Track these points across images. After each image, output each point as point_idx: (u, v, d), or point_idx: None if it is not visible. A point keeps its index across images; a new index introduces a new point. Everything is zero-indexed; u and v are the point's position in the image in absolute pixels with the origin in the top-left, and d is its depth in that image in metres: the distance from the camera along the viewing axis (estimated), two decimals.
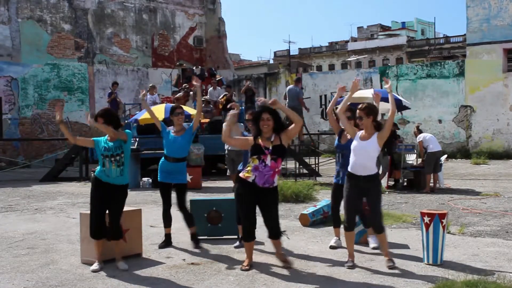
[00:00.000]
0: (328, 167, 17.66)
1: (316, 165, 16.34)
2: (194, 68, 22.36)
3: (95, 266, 5.85)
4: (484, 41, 23.53)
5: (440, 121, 24.58)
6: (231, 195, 7.27)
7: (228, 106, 8.43)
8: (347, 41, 66.06)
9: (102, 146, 5.97)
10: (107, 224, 5.95)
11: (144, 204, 10.62)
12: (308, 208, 8.60)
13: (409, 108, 14.69)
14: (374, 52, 59.19)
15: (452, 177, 15.49)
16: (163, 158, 6.98)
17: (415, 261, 5.94)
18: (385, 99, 6.74)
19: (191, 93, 18.16)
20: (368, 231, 6.74)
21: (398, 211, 9.40)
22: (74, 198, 12.18)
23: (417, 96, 24.93)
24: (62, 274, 5.71)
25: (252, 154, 5.70)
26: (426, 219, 5.77)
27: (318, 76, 29.54)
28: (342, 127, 6.50)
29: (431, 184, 12.38)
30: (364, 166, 5.71)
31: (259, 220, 5.81)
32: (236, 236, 7.06)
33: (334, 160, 7.31)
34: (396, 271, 5.55)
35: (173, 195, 6.98)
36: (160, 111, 13.80)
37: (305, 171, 16.06)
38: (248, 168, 5.71)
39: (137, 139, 15.15)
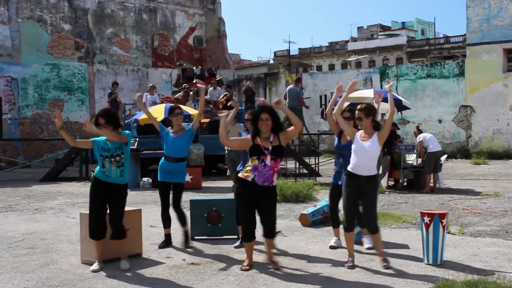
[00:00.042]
0: (328, 167, 17.65)
1: (316, 165, 16.34)
2: (194, 68, 22.35)
3: (95, 266, 5.85)
4: (484, 41, 23.54)
5: (440, 121, 24.58)
6: (231, 195, 7.28)
7: (228, 105, 8.43)
8: (347, 41, 66.07)
9: (101, 146, 5.96)
10: (108, 224, 5.95)
11: (144, 204, 10.62)
12: (308, 208, 8.60)
13: (409, 108, 14.69)
14: (374, 52, 59.20)
15: (452, 177, 15.50)
16: (163, 158, 6.98)
17: (415, 261, 5.94)
18: (385, 99, 6.74)
19: (191, 93, 18.17)
20: (363, 232, 6.73)
21: (398, 211, 9.40)
22: (74, 198, 12.18)
23: (417, 96, 24.93)
24: (62, 274, 5.71)
25: (252, 154, 5.70)
26: (426, 219, 5.77)
27: (318, 76, 29.55)
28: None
29: (431, 184, 12.38)
30: (365, 166, 5.71)
31: (259, 220, 5.81)
32: (236, 236, 7.06)
33: (334, 160, 7.32)
34: (395, 271, 5.55)
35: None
36: (160, 111, 13.80)
37: (305, 171, 16.07)
38: (247, 168, 5.71)
39: (137, 139, 15.16)
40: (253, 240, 5.80)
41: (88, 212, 6.12)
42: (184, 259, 6.29)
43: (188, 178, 12.27)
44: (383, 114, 12.61)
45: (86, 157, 16.70)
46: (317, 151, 19.46)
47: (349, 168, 5.84)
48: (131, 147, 6.42)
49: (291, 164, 15.88)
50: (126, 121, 16.78)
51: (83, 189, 13.53)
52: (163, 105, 15.51)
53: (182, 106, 9.96)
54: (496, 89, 23.17)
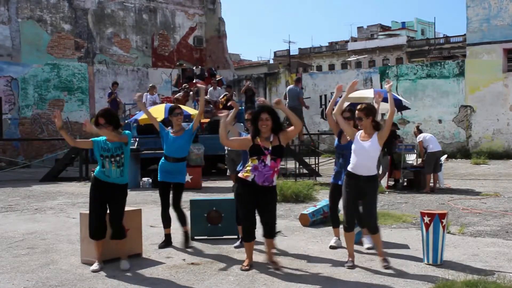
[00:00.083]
0: (328, 167, 17.64)
1: (316, 165, 16.34)
2: (194, 68, 22.35)
3: (95, 266, 5.85)
4: (484, 41, 23.54)
5: (440, 121, 24.58)
6: (231, 195, 7.28)
7: (228, 105, 8.43)
8: (347, 41, 66.08)
9: (101, 146, 5.96)
10: (108, 224, 5.95)
11: (144, 204, 10.62)
12: (308, 208, 8.60)
13: (409, 108, 14.69)
14: (374, 52, 59.20)
15: (452, 177, 15.50)
16: (163, 158, 6.99)
17: (415, 261, 5.94)
18: (385, 99, 6.74)
19: (191, 93, 18.17)
20: (363, 231, 6.73)
21: (398, 211, 9.40)
22: (74, 198, 12.18)
23: (417, 96, 24.93)
24: (62, 274, 5.71)
25: (252, 154, 5.70)
26: (426, 219, 5.77)
27: (318, 76, 29.55)
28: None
29: (431, 184, 12.38)
30: (365, 166, 5.71)
31: (259, 220, 5.81)
32: (236, 236, 7.06)
33: (334, 160, 7.32)
34: (395, 271, 5.55)
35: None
36: (160, 111, 13.80)
37: (305, 171, 16.07)
38: (247, 168, 5.71)
39: (137, 139, 15.16)
40: (253, 240, 5.80)
41: (88, 212, 6.12)
42: (184, 259, 6.29)
43: (188, 178, 12.28)
44: (383, 114, 12.61)
45: (86, 157, 16.70)
46: (317, 151, 19.46)
47: (349, 168, 5.84)
48: (131, 147, 6.41)
49: (291, 164, 15.88)
50: (126, 121, 16.78)
51: (83, 189, 13.52)
52: (163, 105, 15.52)
53: (182, 106, 9.96)
54: (496, 89, 23.17)
